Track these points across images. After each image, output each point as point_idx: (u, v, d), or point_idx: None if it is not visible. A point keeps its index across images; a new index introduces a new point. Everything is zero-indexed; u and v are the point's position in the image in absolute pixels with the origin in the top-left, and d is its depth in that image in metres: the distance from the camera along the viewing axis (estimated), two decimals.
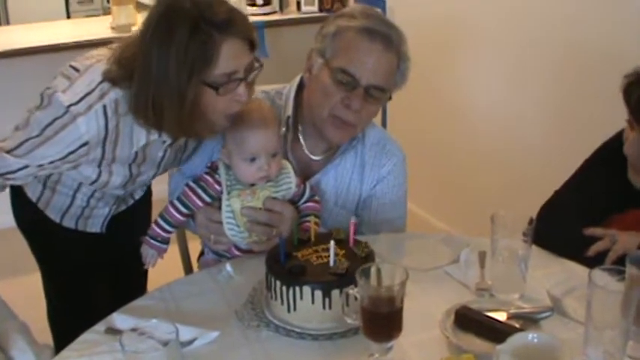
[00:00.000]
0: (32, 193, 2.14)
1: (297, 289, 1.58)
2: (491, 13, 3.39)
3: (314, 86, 2.01)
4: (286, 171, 1.92)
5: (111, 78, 1.78)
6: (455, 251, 1.91)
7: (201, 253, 2.23)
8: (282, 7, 4.45)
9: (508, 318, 1.59)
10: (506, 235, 1.69)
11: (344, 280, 1.56)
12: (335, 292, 1.57)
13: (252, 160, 1.84)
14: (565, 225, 1.99)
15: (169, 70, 1.68)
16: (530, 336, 1.33)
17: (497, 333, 1.48)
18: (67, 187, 2.08)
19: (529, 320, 1.58)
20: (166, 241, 1.94)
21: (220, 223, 1.89)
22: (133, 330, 1.40)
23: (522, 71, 3.26)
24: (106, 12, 6.05)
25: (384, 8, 3.77)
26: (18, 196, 2.17)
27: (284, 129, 2.05)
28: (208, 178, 1.90)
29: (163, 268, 2.03)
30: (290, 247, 1.69)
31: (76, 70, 1.84)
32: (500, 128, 3.43)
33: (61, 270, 2.31)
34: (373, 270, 1.46)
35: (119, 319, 1.69)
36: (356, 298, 1.48)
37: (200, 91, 1.71)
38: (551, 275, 1.78)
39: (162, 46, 1.68)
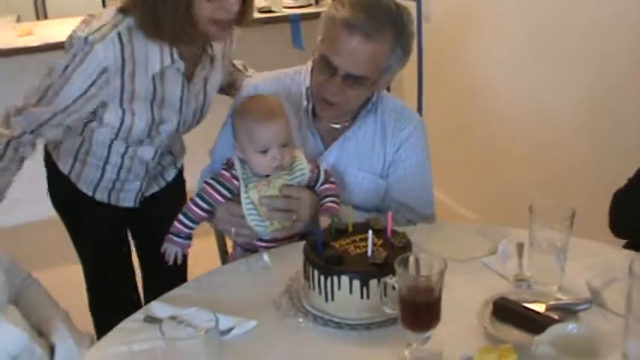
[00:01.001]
0: (64, 167, 2.24)
1: (335, 278, 1.59)
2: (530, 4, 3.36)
3: (314, 60, 2.10)
4: (299, 159, 1.98)
5: (123, 8, 1.96)
6: (491, 242, 1.91)
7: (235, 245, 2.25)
8: (317, 0, 4.45)
9: (547, 309, 1.57)
10: (545, 225, 1.67)
11: (382, 270, 1.56)
12: (373, 282, 1.57)
13: (265, 151, 1.90)
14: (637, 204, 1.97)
15: None
16: (570, 326, 1.33)
17: (535, 324, 1.48)
18: (97, 158, 2.18)
19: (568, 312, 1.57)
20: (189, 237, 1.98)
21: (241, 216, 1.95)
22: (172, 318, 1.42)
23: (562, 63, 3.22)
24: None
25: (419, 2, 3.74)
26: (52, 171, 2.28)
27: (305, 102, 2.11)
28: (226, 173, 1.95)
29: (201, 260, 2.05)
30: (327, 237, 1.70)
31: (92, 16, 2.01)
32: (536, 119, 3.40)
33: (98, 251, 2.36)
34: (411, 260, 1.46)
35: (157, 307, 1.71)
36: (394, 288, 1.48)
37: None
38: (591, 267, 1.76)
39: None
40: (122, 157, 2.20)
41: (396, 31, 2.00)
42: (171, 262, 1.96)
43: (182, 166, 2.53)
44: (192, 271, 2.04)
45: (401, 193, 2.18)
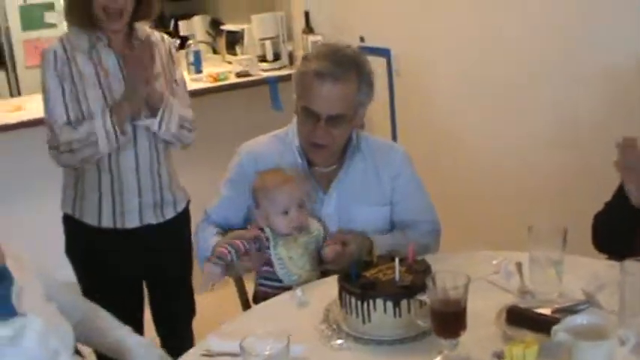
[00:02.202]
0: (71, 207, 2.72)
1: (371, 302, 1.85)
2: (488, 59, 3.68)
3: (297, 115, 2.42)
4: (313, 222, 2.33)
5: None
6: (492, 264, 2.19)
7: (255, 294, 2.50)
8: (291, 61, 4.74)
9: (553, 312, 1.86)
10: (542, 243, 1.97)
11: (411, 291, 1.84)
12: (404, 302, 1.85)
13: (286, 212, 2.23)
14: (616, 225, 2.26)
15: None
16: (579, 318, 1.60)
17: (546, 324, 1.73)
18: (91, 180, 2.65)
19: (570, 312, 1.83)
20: (224, 269, 2.21)
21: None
22: (242, 347, 1.65)
23: (520, 100, 3.49)
24: None
25: (389, 57, 4.07)
26: (67, 224, 2.78)
27: (300, 160, 2.43)
28: (260, 233, 2.27)
29: (220, 309, 2.29)
30: (358, 269, 1.97)
31: None
32: (503, 155, 3.64)
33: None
34: (439, 277, 1.73)
35: (214, 343, 1.93)
36: (425, 303, 1.76)
37: None
38: (583, 276, 2.03)
39: None
40: (109, 164, 2.61)
41: (358, 71, 2.35)
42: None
43: (185, 211, 2.88)
44: (215, 320, 2.21)
45: (409, 212, 2.49)
